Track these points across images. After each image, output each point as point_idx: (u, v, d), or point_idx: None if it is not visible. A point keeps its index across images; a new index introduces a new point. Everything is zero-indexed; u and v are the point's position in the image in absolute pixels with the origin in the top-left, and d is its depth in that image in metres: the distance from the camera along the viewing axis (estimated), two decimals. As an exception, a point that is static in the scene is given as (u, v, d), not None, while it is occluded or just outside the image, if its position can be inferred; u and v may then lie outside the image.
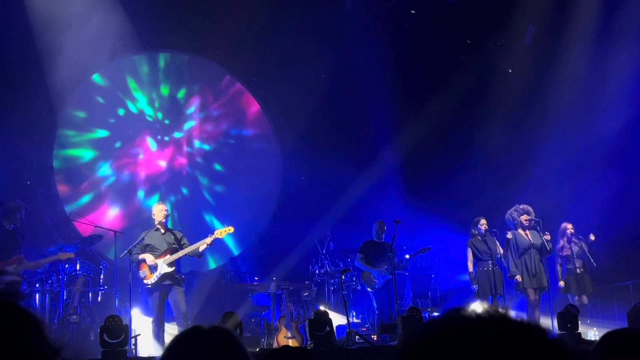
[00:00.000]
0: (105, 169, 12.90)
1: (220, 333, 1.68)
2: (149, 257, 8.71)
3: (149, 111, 13.37)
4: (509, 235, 10.31)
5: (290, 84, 13.30)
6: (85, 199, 12.53)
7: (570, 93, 12.60)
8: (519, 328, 0.96)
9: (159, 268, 8.65)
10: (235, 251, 13.51)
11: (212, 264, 13.22)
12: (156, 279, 8.64)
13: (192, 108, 13.82)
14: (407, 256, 11.72)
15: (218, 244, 9.30)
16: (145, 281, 8.69)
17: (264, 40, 12.84)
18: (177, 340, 1.69)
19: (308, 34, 12.73)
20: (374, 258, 10.53)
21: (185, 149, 13.73)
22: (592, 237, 10.64)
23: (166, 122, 13.56)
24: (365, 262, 10.59)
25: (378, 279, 10.45)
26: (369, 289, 10.67)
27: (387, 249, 10.04)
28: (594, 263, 10.55)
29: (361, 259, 10.62)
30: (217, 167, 13.95)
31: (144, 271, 8.71)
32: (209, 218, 13.51)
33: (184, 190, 13.47)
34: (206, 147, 13.89)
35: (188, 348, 1.64)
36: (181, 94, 13.66)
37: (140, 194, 13.17)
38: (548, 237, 10.22)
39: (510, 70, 13.71)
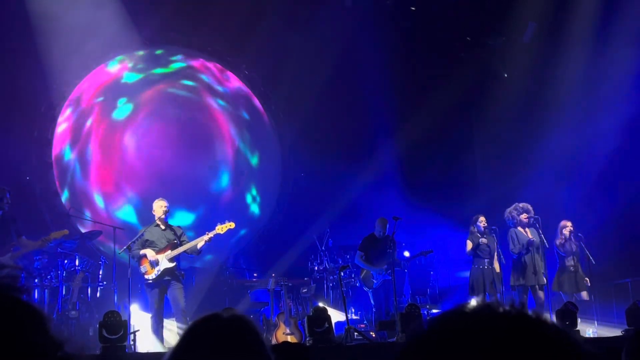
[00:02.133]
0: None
1: (240, 321, 1.67)
2: (150, 252, 8.71)
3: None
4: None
5: (289, 80, 13.27)
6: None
7: (570, 91, 12.60)
8: (527, 324, 0.94)
9: (160, 263, 8.65)
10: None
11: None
12: (157, 274, 8.63)
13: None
14: (407, 253, 11.71)
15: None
16: (146, 276, 8.69)
17: (263, 37, 12.81)
18: (195, 327, 1.66)
19: (308, 30, 12.71)
20: (374, 256, 10.50)
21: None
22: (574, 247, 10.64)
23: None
24: (365, 260, 10.56)
25: (376, 278, 10.45)
26: (365, 288, 10.66)
27: (388, 245, 10.02)
28: (593, 261, 10.54)
29: (361, 257, 10.59)
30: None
31: (145, 266, 8.70)
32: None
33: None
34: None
35: (207, 335, 1.62)
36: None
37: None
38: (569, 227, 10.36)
39: (505, 75, 13.71)
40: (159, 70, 13.03)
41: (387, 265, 10.13)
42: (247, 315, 1.75)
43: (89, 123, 12.39)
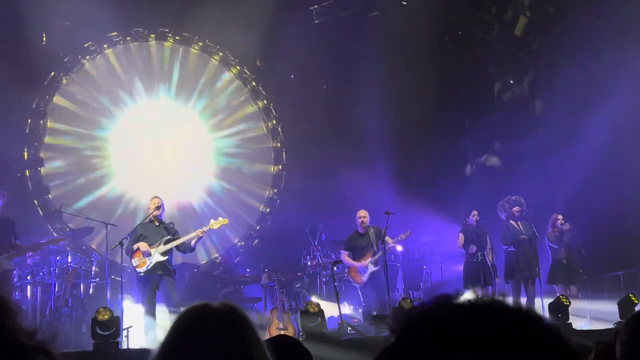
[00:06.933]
0: None
1: (230, 309, 1.66)
2: (142, 245, 8.67)
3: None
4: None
5: (280, 75, 13.25)
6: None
7: (561, 85, 12.63)
8: (509, 315, 0.93)
9: (152, 255, 8.61)
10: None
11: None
12: (149, 267, 8.58)
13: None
14: (400, 248, 11.60)
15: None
16: (138, 269, 8.64)
17: (253, 32, 12.76)
18: (186, 316, 1.65)
19: (298, 21, 12.68)
20: (358, 251, 10.35)
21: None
22: (567, 227, 10.60)
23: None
24: (351, 258, 10.45)
25: (363, 273, 10.30)
26: (355, 284, 10.57)
27: (371, 237, 9.97)
28: (584, 253, 10.58)
29: (347, 255, 10.44)
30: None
31: (137, 259, 8.66)
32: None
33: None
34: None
35: (198, 324, 1.61)
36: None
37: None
38: (568, 227, 10.36)
39: (512, 82, 13.75)
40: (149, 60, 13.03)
41: (370, 258, 10.08)
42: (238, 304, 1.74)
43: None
